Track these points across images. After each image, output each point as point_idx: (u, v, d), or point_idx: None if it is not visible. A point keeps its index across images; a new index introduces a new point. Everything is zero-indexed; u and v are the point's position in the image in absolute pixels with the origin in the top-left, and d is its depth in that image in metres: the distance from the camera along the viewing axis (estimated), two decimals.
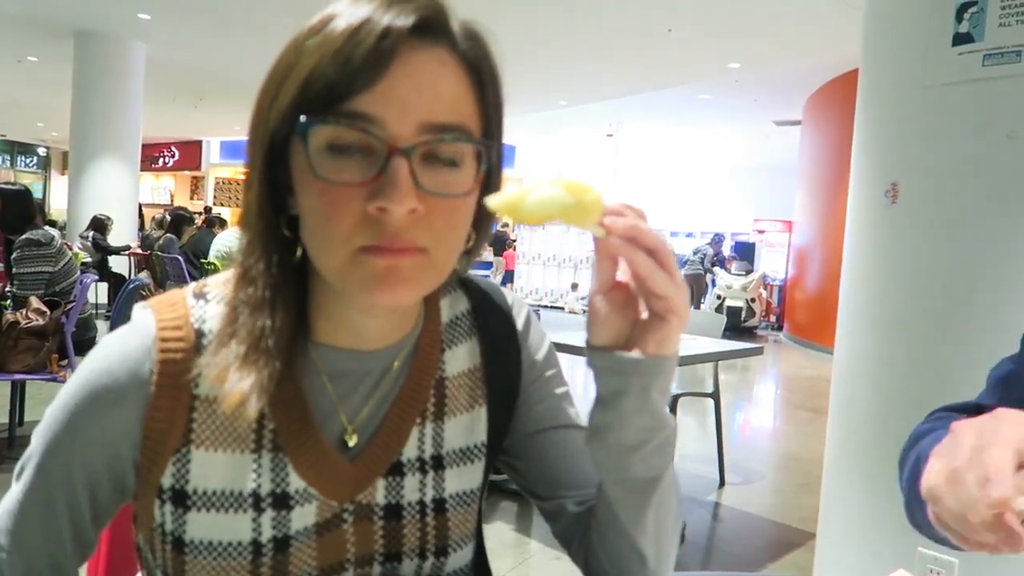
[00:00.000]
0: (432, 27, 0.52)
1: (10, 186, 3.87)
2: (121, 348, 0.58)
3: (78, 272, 3.85)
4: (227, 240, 6.80)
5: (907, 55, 1.86)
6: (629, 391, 0.56)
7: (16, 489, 0.60)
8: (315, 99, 0.50)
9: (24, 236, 3.65)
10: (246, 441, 0.59)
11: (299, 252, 0.57)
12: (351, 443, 0.62)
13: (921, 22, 1.80)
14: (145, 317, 0.59)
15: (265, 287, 0.55)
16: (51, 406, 0.60)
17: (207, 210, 8.73)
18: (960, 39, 1.71)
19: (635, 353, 0.55)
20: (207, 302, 0.61)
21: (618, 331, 0.57)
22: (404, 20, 0.50)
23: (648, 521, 0.62)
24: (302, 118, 0.50)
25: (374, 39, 0.49)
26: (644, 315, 0.56)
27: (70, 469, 0.58)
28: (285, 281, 0.56)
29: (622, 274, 0.55)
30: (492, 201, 0.52)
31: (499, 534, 2.89)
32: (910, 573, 0.79)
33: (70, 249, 4.20)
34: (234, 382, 0.54)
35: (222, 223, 8.54)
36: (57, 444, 0.58)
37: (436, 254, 0.53)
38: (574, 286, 12.64)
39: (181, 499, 0.58)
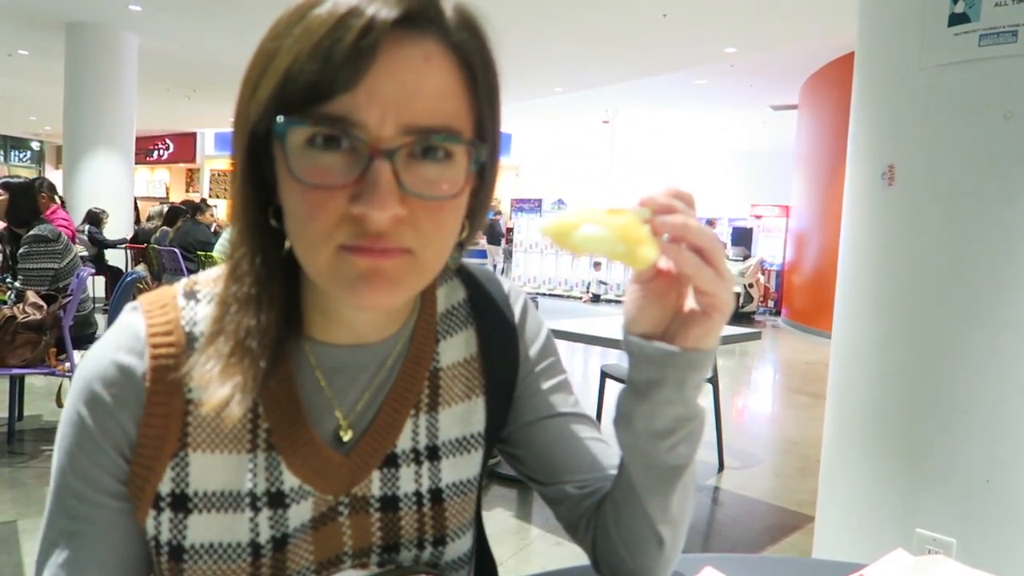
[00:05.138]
0: (418, 18, 0.49)
1: (16, 179, 3.83)
2: (113, 354, 0.57)
3: (81, 268, 3.85)
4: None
5: (903, 36, 1.85)
6: (665, 382, 0.56)
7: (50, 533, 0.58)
8: (294, 97, 0.47)
9: (32, 232, 3.63)
10: (241, 441, 0.58)
11: (288, 244, 0.55)
12: (346, 438, 0.61)
13: (917, 2, 1.79)
14: (135, 320, 0.58)
15: (252, 284, 0.54)
16: (58, 431, 0.59)
17: (185, 203, 8.64)
18: (956, 19, 1.70)
19: (674, 346, 0.55)
20: (197, 302, 0.60)
21: (657, 320, 0.56)
22: (388, 12, 0.47)
23: (671, 506, 0.62)
24: (279, 119, 0.48)
25: (354, 36, 0.46)
26: (690, 306, 0.55)
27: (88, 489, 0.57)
28: (272, 277, 0.55)
29: (665, 263, 0.54)
30: (542, 225, 0.51)
31: (499, 521, 2.90)
32: (908, 553, 0.79)
33: (73, 243, 4.19)
34: (215, 387, 0.52)
35: (205, 208, 8.49)
36: (72, 461, 0.57)
37: (423, 255, 0.51)
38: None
39: (182, 503, 0.57)
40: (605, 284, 12.06)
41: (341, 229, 0.49)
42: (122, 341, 0.57)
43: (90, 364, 0.57)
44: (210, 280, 0.61)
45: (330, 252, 0.49)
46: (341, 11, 0.47)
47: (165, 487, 0.57)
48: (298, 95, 0.47)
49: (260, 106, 0.49)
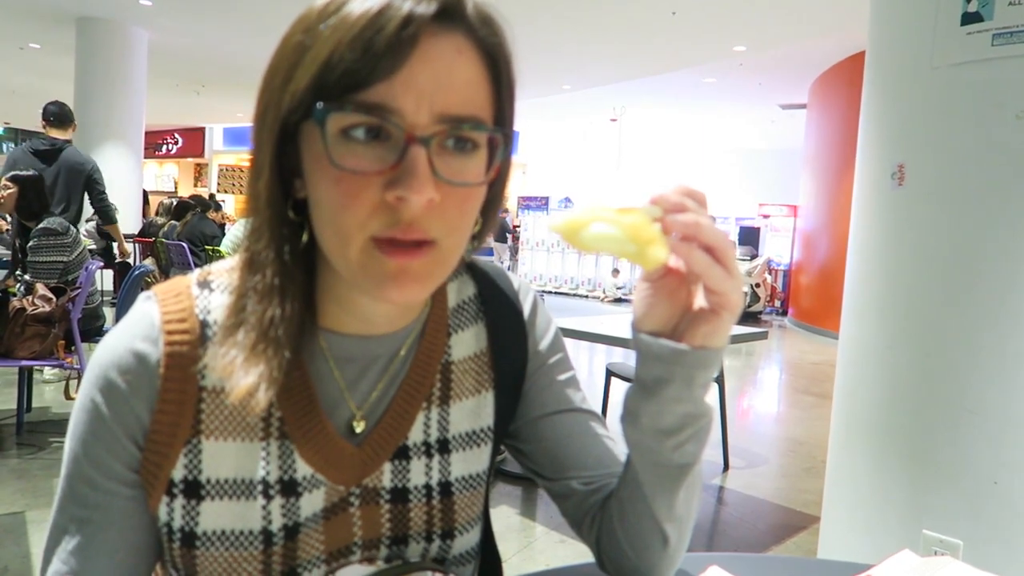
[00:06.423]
0: (451, 12, 0.51)
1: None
2: (128, 342, 0.57)
3: (90, 261, 3.86)
4: (240, 231, 6.80)
5: (915, 35, 1.84)
6: (673, 380, 0.56)
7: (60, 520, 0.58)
8: (333, 85, 0.48)
9: (41, 225, 3.64)
10: (254, 430, 0.59)
11: (305, 237, 0.56)
12: (359, 429, 0.62)
13: (930, 1, 1.78)
14: (150, 309, 0.59)
15: (275, 274, 0.55)
16: (71, 418, 0.59)
17: (193, 198, 8.70)
18: (969, 18, 1.69)
19: (682, 344, 0.55)
20: (211, 291, 0.60)
21: (666, 318, 0.57)
22: (426, 7, 0.49)
23: (677, 504, 0.63)
24: (319, 104, 0.49)
25: (395, 26, 0.48)
26: (700, 304, 0.55)
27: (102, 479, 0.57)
28: (294, 267, 0.56)
29: (674, 261, 0.54)
30: (552, 223, 0.52)
31: (504, 518, 2.91)
32: (915, 554, 0.79)
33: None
34: (241, 375, 0.53)
35: (216, 207, 8.54)
36: (86, 450, 0.57)
37: (445, 245, 0.53)
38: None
39: (195, 489, 0.57)
40: (622, 288, 12.02)
41: (374, 219, 0.50)
42: (137, 329, 0.58)
43: (105, 352, 0.58)
44: (224, 271, 0.62)
45: (361, 244, 0.51)
46: (378, 6, 0.48)
47: (178, 473, 0.57)
48: (336, 84, 0.49)
49: (295, 96, 0.50)
